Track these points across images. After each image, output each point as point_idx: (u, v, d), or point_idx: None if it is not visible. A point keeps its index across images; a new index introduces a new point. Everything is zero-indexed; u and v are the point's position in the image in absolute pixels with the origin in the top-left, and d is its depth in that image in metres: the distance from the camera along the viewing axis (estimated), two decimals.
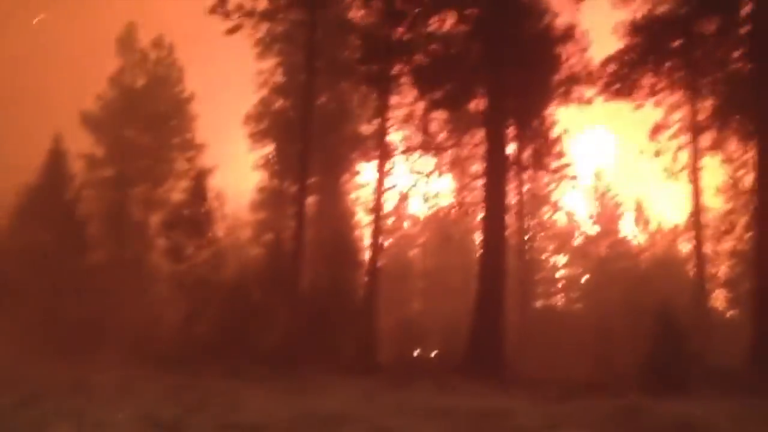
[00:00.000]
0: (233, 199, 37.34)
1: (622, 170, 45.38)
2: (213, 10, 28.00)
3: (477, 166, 28.83)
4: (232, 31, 28.55)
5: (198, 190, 31.05)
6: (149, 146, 40.34)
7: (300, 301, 27.70)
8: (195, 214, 30.19)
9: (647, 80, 24.46)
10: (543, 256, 44.26)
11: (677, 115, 30.54)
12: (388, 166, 28.37)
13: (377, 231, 28.16)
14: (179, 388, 17.02)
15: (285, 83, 37.08)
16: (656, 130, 30.75)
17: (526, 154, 30.65)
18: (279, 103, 37.69)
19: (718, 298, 38.07)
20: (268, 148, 38.43)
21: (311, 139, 29.50)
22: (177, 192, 38.94)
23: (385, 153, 28.11)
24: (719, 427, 13.79)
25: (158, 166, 40.45)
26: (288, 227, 32.04)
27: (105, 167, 39.91)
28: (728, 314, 38.07)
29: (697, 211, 34.21)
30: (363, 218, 34.98)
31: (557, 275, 45.45)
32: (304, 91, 29.46)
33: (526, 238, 38.98)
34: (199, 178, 32.28)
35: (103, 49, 43.91)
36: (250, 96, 38.20)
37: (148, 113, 39.98)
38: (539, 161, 30.57)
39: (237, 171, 41.65)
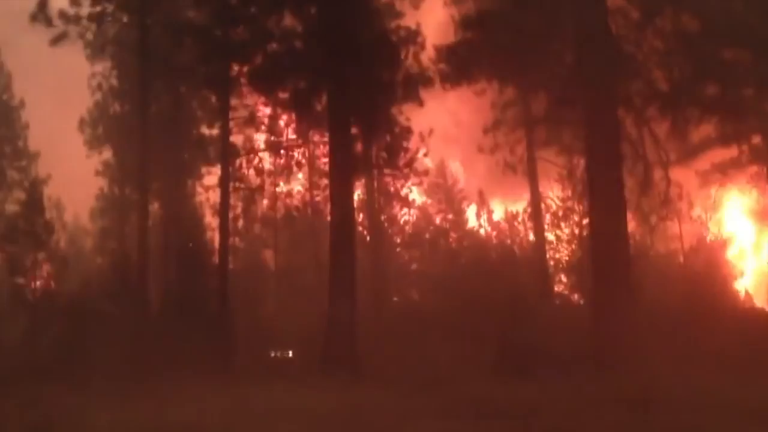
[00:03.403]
0: (73, 208, 35.88)
1: (466, 164, 46.20)
2: (34, 18, 26.60)
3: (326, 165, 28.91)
4: (56, 40, 27.11)
5: (34, 201, 29.63)
6: None
7: (149, 309, 26.98)
8: (32, 225, 28.80)
9: (482, 71, 24.98)
10: (398, 251, 44.82)
11: (512, 111, 31.90)
12: (233, 167, 27.99)
13: (226, 233, 27.73)
14: (21, 408, 16.19)
15: (120, 86, 36.08)
16: (493, 127, 31.99)
17: (374, 151, 30.98)
18: (115, 107, 36.72)
19: (563, 282, 39.55)
20: (107, 154, 37.46)
21: (150, 143, 28.71)
22: (10, 203, 37.30)
23: (228, 155, 27.68)
24: (558, 408, 14.66)
25: None
26: (132, 234, 31.13)
27: None
28: (573, 297, 39.64)
29: (536, 200, 35.83)
30: (212, 221, 34.34)
31: (411, 268, 46.16)
32: (139, 95, 28.55)
33: (378, 233, 39.47)
34: (34, 187, 31.03)
35: None
36: (85, 100, 37.10)
37: None
38: (386, 159, 30.94)
39: (76, 179, 39.98)
